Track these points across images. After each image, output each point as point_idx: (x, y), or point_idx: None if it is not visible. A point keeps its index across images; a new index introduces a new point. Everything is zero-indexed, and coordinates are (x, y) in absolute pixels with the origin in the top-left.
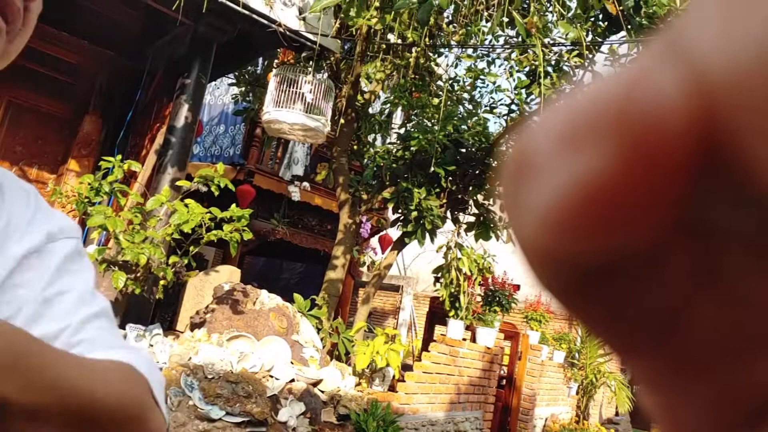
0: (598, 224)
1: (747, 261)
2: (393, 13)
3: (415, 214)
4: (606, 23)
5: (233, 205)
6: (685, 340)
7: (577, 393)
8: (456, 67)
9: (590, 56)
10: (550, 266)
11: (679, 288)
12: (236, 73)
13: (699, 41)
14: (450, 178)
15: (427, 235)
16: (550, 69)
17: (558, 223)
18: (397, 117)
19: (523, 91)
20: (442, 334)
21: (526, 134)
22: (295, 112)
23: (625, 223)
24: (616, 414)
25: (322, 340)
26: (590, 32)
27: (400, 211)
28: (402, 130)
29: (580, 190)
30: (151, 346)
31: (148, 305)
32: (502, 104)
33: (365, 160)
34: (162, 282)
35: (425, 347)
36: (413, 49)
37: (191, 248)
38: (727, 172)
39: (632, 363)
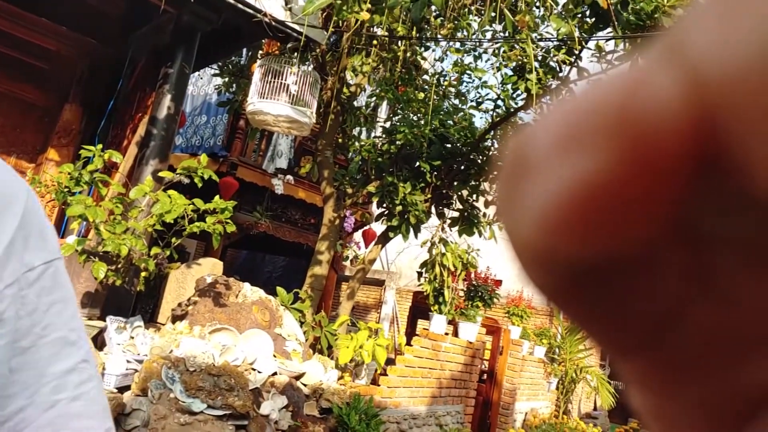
0: (595, 225)
1: (740, 264)
2: (385, 11)
3: (399, 208)
4: (593, 19)
5: (217, 197)
6: (678, 341)
7: (557, 388)
8: (442, 61)
9: (576, 52)
10: (545, 266)
11: (674, 290)
12: (220, 64)
13: (697, 44)
14: (435, 173)
15: (412, 229)
16: (536, 64)
17: (554, 223)
18: (383, 111)
19: (509, 86)
20: (424, 329)
21: (523, 134)
22: (280, 103)
23: (621, 224)
24: (595, 408)
25: (305, 333)
26: (577, 28)
27: (385, 205)
28: (387, 124)
29: (577, 191)
30: (132, 338)
31: (129, 297)
32: (488, 99)
33: (350, 154)
34: (143, 273)
35: (408, 341)
36: (400, 43)
37: (173, 240)
38: (724, 176)
39: (624, 364)
